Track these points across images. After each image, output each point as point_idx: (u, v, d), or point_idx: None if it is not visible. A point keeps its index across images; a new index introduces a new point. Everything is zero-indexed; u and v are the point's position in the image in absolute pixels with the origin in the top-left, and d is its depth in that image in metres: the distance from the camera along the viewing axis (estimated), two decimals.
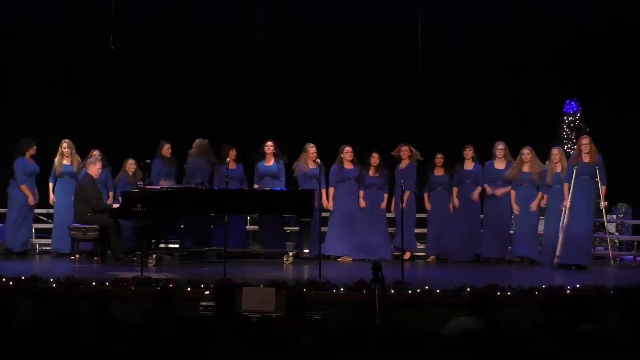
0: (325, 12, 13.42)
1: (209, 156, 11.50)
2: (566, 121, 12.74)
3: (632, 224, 12.58)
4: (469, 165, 11.40)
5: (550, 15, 13.20)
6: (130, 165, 11.57)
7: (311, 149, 11.35)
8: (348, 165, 11.45)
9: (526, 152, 11.07)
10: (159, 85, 13.26)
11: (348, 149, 11.43)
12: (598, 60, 13.03)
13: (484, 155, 11.46)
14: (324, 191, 11.24)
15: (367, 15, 13.30)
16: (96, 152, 11.41)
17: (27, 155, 11.26)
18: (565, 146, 12.34)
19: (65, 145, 11.38)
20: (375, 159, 11.42)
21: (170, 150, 11.64)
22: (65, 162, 11.37)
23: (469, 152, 11.39)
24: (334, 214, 11.42)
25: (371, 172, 11.43)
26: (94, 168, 10.99)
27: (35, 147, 11.29)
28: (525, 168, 11.05)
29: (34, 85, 13.49)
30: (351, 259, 11.30)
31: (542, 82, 13.33)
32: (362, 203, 11.39)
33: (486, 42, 13.25)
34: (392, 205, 11.40)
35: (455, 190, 11.36)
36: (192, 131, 11.98)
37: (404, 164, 11.47)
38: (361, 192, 11.43)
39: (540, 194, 10.98)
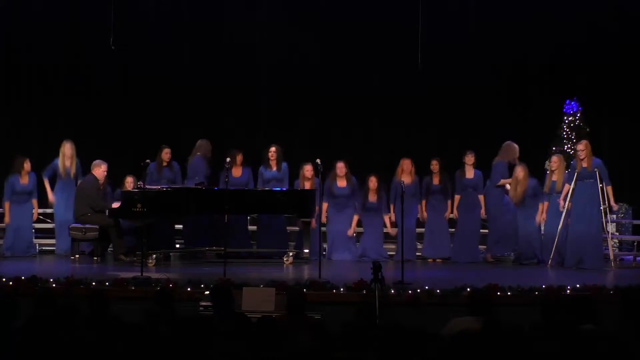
0: (326, 12, 13.39)
1: (208, 156, 11.47)
2: (566, 121, 12.73)
3: (632, 224, 12.57)
4: (469, 172, 11.27)
5: (550, 15, 13.19)
6: (129, 183, 11.18)
7: (306, 166, 11.20)
8: (340, 183, 11.29)
9: (519, 170, 10.95)
10: (158, 85, 13.22)
11: (340, 165, 11.22)
12: (598, 60, 13.01)
13: (484, 155, 11.44)
14: (325, 204, 11.06)
15: (367, 15, 13.28)
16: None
17: (23, 173, 11.14)
18: (565, 146, 12.34)
19: (68, 146, 11.34)
20: (373, 182, 11.20)
21: (169, 155, 11.43)
22: (67, 163, 11.34)
23: (470, 159, 11.28)
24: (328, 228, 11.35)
25: (370, 197, 11.23)
26: (99, 170, 10.96)
27: (28, 163, 11.15)
28: (522, 182, 10.94)
29: (33, 85, 13.46)
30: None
31: (542, 82, 13.33)
32: (351, 232, 11.24)
33: (486, 42, 13.23)
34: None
35: (457, 198, 11.26)
36: (192, 133, 11.98)
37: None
38: (355, 217, 11.24)
39: (541, 205, 10.89)
